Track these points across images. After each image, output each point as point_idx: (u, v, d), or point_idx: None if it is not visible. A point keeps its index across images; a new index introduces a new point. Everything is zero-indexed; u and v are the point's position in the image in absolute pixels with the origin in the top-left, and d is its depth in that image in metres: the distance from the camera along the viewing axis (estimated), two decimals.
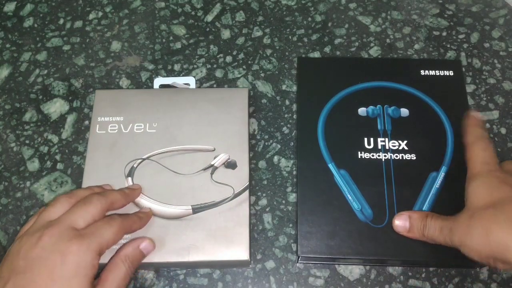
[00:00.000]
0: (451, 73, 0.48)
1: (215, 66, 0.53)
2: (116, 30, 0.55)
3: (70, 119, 0.50)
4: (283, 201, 0.46)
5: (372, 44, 0.53)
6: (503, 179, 0.36)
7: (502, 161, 0.47)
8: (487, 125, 0.49)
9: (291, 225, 0.45)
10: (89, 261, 0.33)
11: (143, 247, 0.38)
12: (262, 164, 0.47)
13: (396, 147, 0.44)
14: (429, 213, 0.39)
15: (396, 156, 0.44)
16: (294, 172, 0.47)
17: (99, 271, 0.35)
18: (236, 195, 0.43)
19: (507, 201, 0.34)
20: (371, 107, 0.46)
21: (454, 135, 0.44)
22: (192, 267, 0.43)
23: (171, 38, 0.55)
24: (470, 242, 0.34)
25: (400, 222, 0.40)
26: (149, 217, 0.41)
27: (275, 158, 0.48)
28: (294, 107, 0.50)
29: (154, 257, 0.40)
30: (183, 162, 0.44)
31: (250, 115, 0.49)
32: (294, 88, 0.51)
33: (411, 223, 0.39)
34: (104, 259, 0.36)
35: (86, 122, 0.50)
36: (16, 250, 0.34)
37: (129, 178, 0.43)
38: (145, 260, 0.39)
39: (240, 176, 0.43)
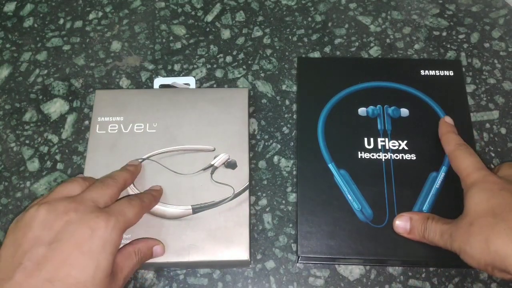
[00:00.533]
0: (451, 73, 0.48)
1: (215, 66, 0.53)
2: (116, 30, 0.55)
3: (70, 119, 0.50)
4: (283, 201, 0.46)
5: (372, 44, 0.53)
6: (502, 185, 0.36)
7: (502, 161, 0.47)
8: (487, 125, 0.49)
9: (291, 225, 0.45)
10: (115, 238, 0.33)
11: (155, 249, 0.39)
12: (262, 164, 0.47)
13: (396, 147, 0.44)
14: (430, 215, 0.39)
15: (396, 156, 0.44)
16: (294, 172, 0.47)
17: None
18: (236, 195, 0.43)
19: (507, 209, 0.34)
20: (371, 107, 0.46)
21: None
22: (192, 267, 0.43)
23: (171, 38, 0.55)
24: (470, 250, 0.34)
25: (401, 223, 0.40)
26: (161, 194, 0.42)
27: (275, 158, 0.48)
28: (294, 107, 0.50)
29: None
30: (183, 162, 0.44)
31: (250, 115, 0.49)
32: (294, 88, 0.51)
33: (412, 225, 0.39)
34: None
35: (86, 122, 0.50)
36: (36, 221, 0.33)
37: None
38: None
39: (240, 176, 0.43)
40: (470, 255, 0.34)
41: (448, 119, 0.44)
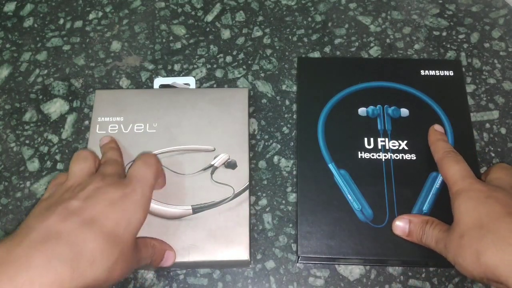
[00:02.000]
0: (451, 73, 0.48)
1: (215, 66, 0.53)
2: (116, 30, 0.55)
3: (70, 119, 0.50)
4: (283, 201, 0.46)
5: (372, 44, 0.53)
6: (488, 193, 0.35)
7: (502, 161, 0.47)
8: (487, 125, 0.49)
9: (291, 225, 0.45)
10: (145, 204, 0.35)
11: (166, 254, 0.39)
12: (262, 164, 0.47)
13: (396, 147, 0.44)
14: (430, 219, 0.39)
15: (396, 156, 0.44)
16: (294, 172, 0.47)
17: None
18: (236, 195, 0.43)
19: (494, 218, 0.34)
20: (371, 107, 0.46)
21: (454, 135, 0.44)
22: (192, 267, 0.43)
23: (171, 38, 0.55)
24: (463, 263, 0.34)
25: (400, 225, 0.40)
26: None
27: (275, 158, 0.48)
28: (294, 107, 0.50)
29: None
30: (183, 162, 0.44)
31: (250, 115, 0.49)
32: (294, 88, 0.51)
33: (410, 228, 0.39)
34: None
35: (86, 122, 0.50)
36: (67, 194, 0.34)
37: None
38: None
39: (240, 176, 0.43)
40: (464, 267, 0.34)
41: (437, 127, 0.44)
